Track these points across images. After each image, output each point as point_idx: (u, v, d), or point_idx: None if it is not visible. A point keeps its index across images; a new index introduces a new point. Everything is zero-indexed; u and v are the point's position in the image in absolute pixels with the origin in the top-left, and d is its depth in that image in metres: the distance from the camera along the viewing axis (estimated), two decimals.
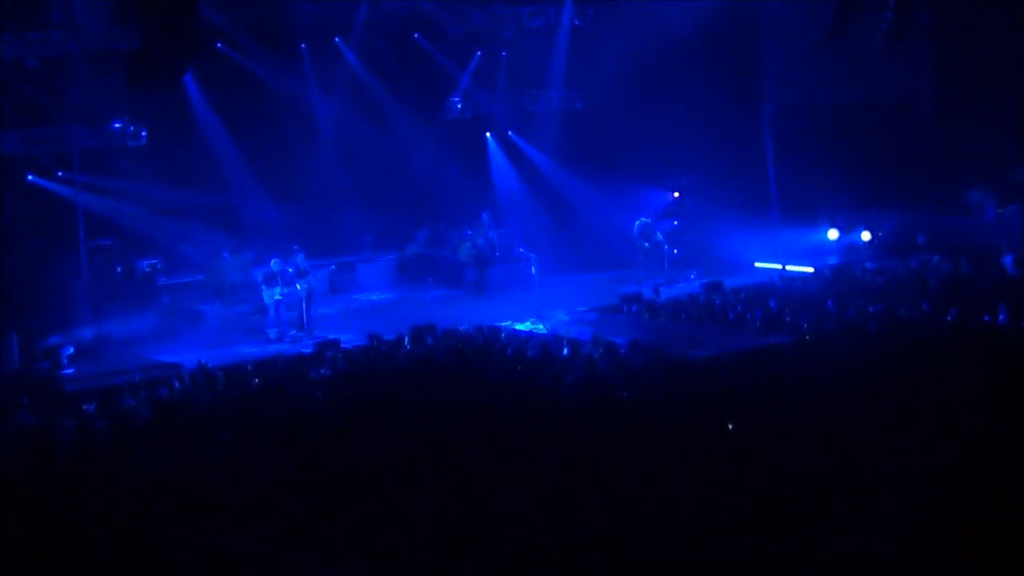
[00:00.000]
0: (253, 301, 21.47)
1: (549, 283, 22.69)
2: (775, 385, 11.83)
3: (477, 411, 11.34)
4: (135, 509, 9.32)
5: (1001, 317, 14.29)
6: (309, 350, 17.68)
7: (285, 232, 22.84)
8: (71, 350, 18.84)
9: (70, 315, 19.76)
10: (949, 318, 14.73)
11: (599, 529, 8.12)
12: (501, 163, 26.76)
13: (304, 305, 20.34)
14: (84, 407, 13.80)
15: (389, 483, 9.34)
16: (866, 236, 24.22)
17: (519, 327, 18.92)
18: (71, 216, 20.58)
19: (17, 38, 20.26)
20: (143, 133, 21.71)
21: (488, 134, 26.85)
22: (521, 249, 24.62)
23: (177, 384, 14.91)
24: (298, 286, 20.23)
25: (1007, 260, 18.97)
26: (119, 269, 21.90)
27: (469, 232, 24.70)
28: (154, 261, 22.53)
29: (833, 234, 24.45)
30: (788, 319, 16.24)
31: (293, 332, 20.18)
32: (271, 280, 20.10)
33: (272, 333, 20.13)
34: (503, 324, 18.70)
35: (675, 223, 25.06)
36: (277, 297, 20.12)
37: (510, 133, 26.76)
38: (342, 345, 17.38)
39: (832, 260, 23.03)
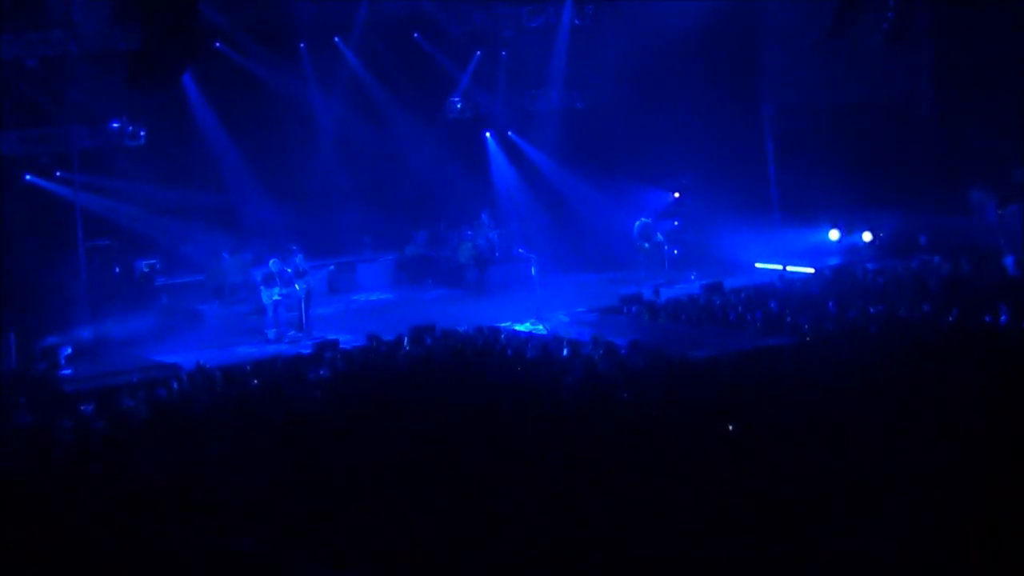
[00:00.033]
0: (252, 301, 21.44)
1: (549, 283, 22.69)
2: (775, 386, 11.81)
3: (477, 412, 11.32)
4: (133, 510, 9.31)
5: (1002, 318, 14.27)
6: (308, 351, 17.65)
7: (284, 232, 22.83)
8: (69, 350, 18.79)
9: (68, 315, 19.73)
10: (950, 319, 14.72)
11: (599, 529, 8.11)
12: (501, 163, 26.74)
13: (303, 305, 20.32)
14: (82, 408, 13.75)
15: (388, 484, 9.33)
16: (867, 237, 24.20)
17: (519, 328, 18.91)
18: (70, 216, 20.57)
19: (16, 38, 20.22)
20: (142, 133, 21.67)
21: (488, 134, 26.83)
22: (521, 249, 24.60)
23: (176, 385, 14.88)
24: (297, 286, 20.21)
25: (1008, 261, 18.96)
26: (118, 269, 21.87)
27: (469, 232, 24.69)
28: (153, 261, 22.50)
29: (834, 235, 24.43)
30: (789, 320, 16.22)
31: (292, 333, 20.16)
32: (270, 280, 20.08)
33: (271, 334, 20.10)
34: (503, 325, 18.68)
35: (675, 223, 25.05)
36: (276, 297, 20.09)
37: (510, 133, 26.74)
38: (341, 346, 17.35)
39: (833, 261, 23.01)
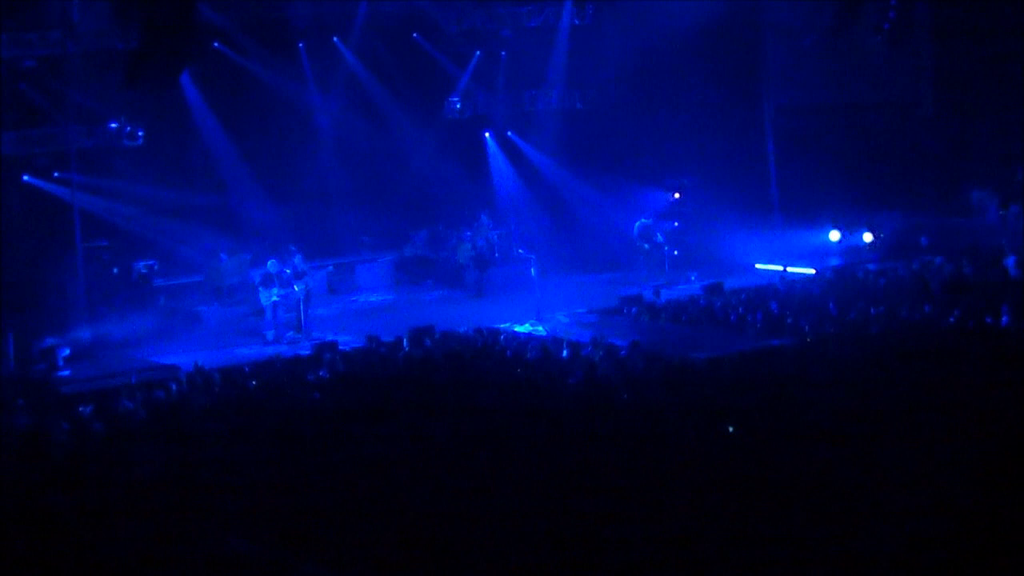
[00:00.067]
0: (251, 302, 21.39)
1: (549, 284, 22.58)
2: (776, 387, 11.77)
3: (476, 413, 11.29)
4: (131, 511, 9.27)
5: (1004, 319, 14.25)
6: (307, 352, 17.60)
7: (283, 233, 22.77)
8: (67, 351, 18.74)
9: (66, 316, 19.70)
10: (951, 320, 14.69)
11: (599, 530, 8.07)
12: (500, 163, 26.69)
13: (302, 306, 20.29)
14: (80, 409, 13.71)
15: (388, 485, 9.30)
16: (868, 237, 24.17)
17: (518, 329, 18.88)
18: (67, 217, 20.54)
19: (14, 38, 20.19)
20: (140, 133, 21.61)
21: (487, 134, 26.78)
22: (520, 250, 24.56)
23: (174, 386, 14.83)
24: (296, 287, 20.16)
25: (1010, 262, 18.94)
26: (116, 270, 21.79)
27: (468, 233, 24.64)
28: (151, 262, 22.41)
29: (835, 235, 24.40)
30: (789, 321, 16.22)
31: (291, 334, 20.11)
32: (268, 281, 20.03)
33: (270, 335, 20.06)
34: (502, 326, 18.67)
35: (676, 224, 25.00)
36: (275, 298, 20.04)
37: (509, 133, 26.69)
38: (340, 347, 17.32)
39: (834, 261, 23.01)
